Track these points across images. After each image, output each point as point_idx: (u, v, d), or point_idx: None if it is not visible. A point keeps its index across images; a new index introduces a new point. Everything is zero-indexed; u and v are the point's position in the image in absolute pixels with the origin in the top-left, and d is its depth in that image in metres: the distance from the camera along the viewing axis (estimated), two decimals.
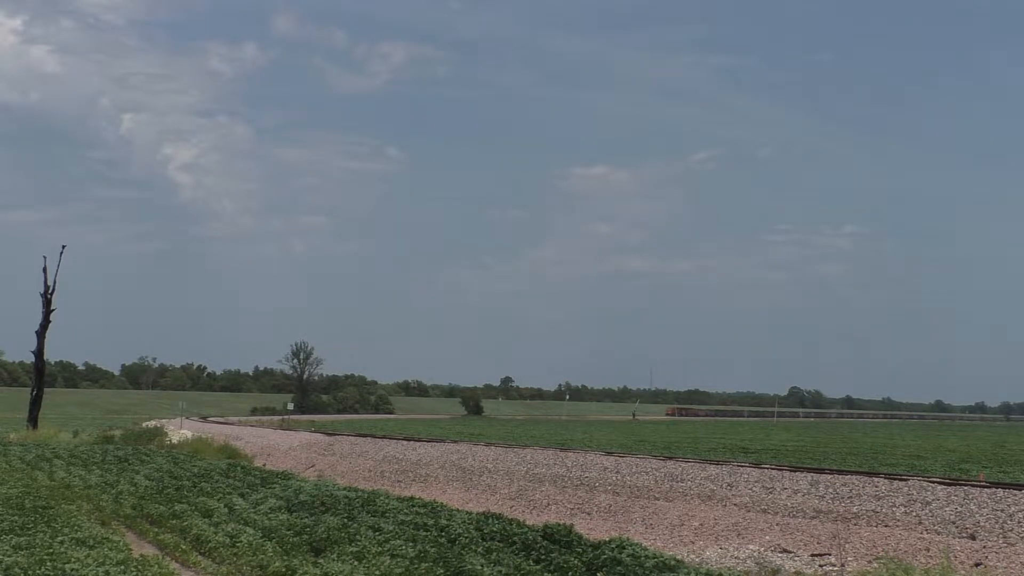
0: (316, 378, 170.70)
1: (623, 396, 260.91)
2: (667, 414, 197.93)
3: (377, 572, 11.38)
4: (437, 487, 27.37)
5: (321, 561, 12.05)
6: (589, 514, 21.82)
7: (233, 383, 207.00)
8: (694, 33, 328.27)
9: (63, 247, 49.66)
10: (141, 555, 12.11)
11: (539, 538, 13.72)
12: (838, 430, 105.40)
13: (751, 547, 17.12)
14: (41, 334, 48.96)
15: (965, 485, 21.36)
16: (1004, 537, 16.28)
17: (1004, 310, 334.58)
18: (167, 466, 27.29)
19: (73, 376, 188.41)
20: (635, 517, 20.81)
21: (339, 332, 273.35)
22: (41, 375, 50.43)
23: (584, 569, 12.09)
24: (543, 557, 12.61)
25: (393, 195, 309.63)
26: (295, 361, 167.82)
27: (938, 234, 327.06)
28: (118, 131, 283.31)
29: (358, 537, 13.69)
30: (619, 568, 11.95)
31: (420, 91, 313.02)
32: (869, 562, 14.92)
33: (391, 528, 14.71)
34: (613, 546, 13.14)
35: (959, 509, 18.20)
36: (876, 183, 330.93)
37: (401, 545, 13.09)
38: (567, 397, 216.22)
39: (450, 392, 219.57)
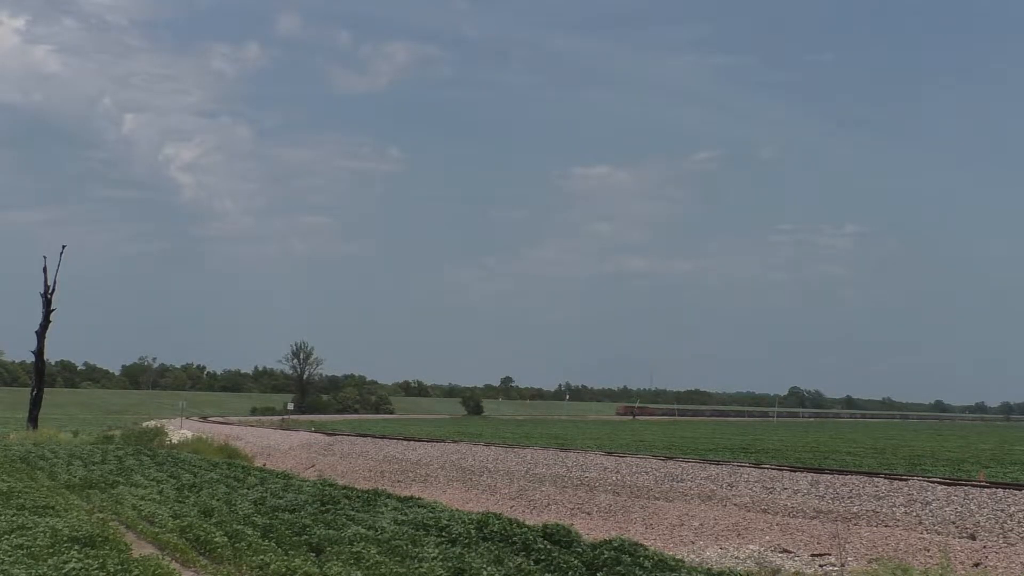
0: (316, 378, 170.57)
1: (623, 396, 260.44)
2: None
3: (377, 572, 11.38)
4: (437, 487, 27.37)
5: (321, 561, 12.06)
6: (589, 514, 21.82)
7: (233, 383, 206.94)
8: (695, 33, 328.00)
9: (63, 247, 49.60)
10: (141, 555, 12.11)
11: (539, 538, 13.73)
12: (838, 430, 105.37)
13: (751, 547, 17.13)
14: (41, 334, 48.92)
15: (965, 485, 21.37)
16: (1004, 537, 16.29)
17: (1004, 310, 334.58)
18: (167, 466, 27.30)
19: (73, 376, 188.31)
20: (635, 517, 20.81)
21: (339, 332, 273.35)
22: (41, 375, 50.39)
23: (584, 569, 12.09)
24: (543, 557, 12.61)
25: (394, 195, 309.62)
26: (295, 361, 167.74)
27: (939, 234, 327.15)
28: (120, 131, 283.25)
29: (358, 537, 13.70)
30: (619, 568, 11.95)
31: (422, 91, 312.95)
32: (869, 562, 14.93)
33: (391, 528, 14.72)
34: (613, 546, 13.15)
35: (959, 509, 18.20)
36: (877, 183, 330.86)
37: (401, 545, 13.09)
38: (567, 397, 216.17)
39: (450, 392, 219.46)
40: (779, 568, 15.16)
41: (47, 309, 48.56)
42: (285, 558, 12.08)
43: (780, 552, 16.70)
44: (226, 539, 13.61)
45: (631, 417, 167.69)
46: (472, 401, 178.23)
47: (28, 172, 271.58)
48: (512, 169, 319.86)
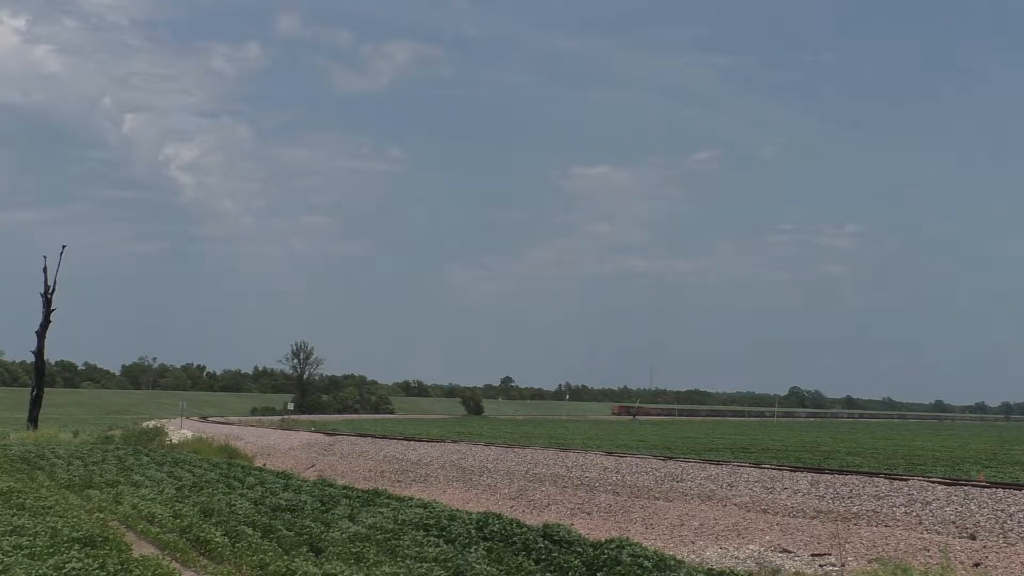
0: (316, 378, 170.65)
1: (623, 396, 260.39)
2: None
3: (377, 572, 11.37)
4: (437, 487, 27.37)
5: (321, 561, 12.06)
6: (589, 514, 21.82)
7: (233, 383, 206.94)
8: (695, 33, 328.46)
9: (63, 247, 49.69)
10: (141, 555, 12.11)
11: (539, 538, 13.72)
12: (838, 430, 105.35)
13: (751, 547, 17.13)
14: (41, 334, 48.95)
15: (965, 485, 21.37)
16: (1004, 537, 16.29)
17: (1004, 310, 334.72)
18: (167, 466, 27.30)
19: (73, 376, 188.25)
20: (635, 517, 20.82)
21: (339, 332, 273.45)
22: (41, 375, 50.42)
23: (584, 569, 12.09)
24: (543, 557, 12.61)
25: (395, 195, 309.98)
26: (295, 361, 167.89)
27: (939, 234, 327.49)
28: (120, 131, 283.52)
29: (358, 537, 13.70)
30: (619, 568, 11.95)
31: (423, 91, 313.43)
32: (869, 562, 14.93)
33: (391, 528, 14.72)
34: (613, 546, 13.14)
35: (959, 509, 18.20)
36: (877, 183, 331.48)
37: (401, 545, 13.09)
38: (567, 397, 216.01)
39: (450, 392, 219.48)
40: (779, 568, 15.16)
41: (47, 309, 48.59)
42: (285, 558, 12.08)
43: (780, 552, 16.70)
44: (226, 539, 13.61)
45: (631, 417, 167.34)
46: (472, 401, 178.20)
47: (28, 172, 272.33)
48: (512, 169, 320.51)
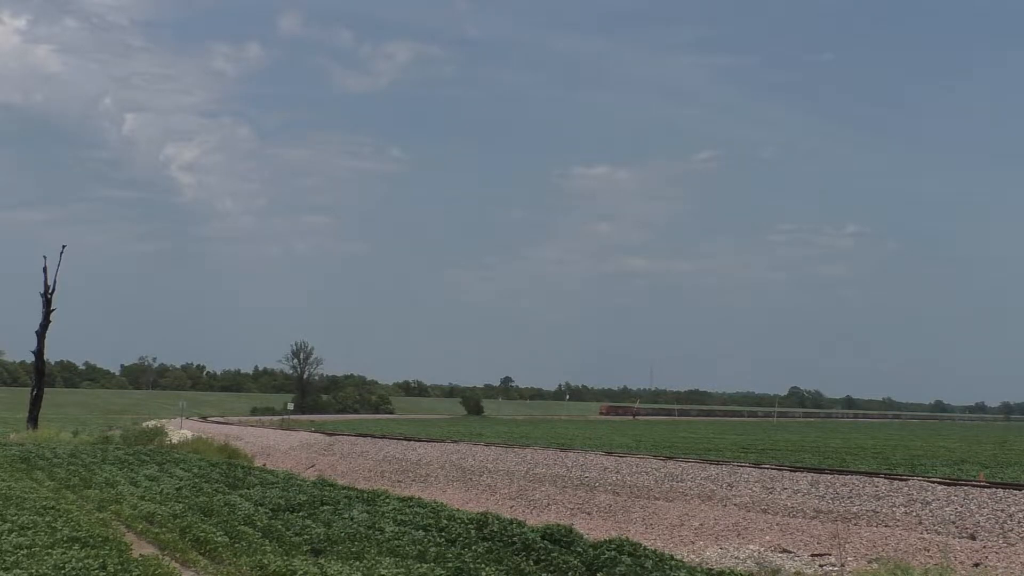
0: (316, 378, 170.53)
1: (623, 396, 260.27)
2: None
3: (377, 572, 11.37)
4: (437, 487, 27.38)
5: (321, 561, 12.06)
6: (589, 514, 21.83)
7: (233, 383, 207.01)
8: (695, 33, 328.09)
9: (63, 247, 49.60)
10: (141, 555, 12.11)
11: (539, 538, 13.72)
12: (837, 430, 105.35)
13: (751, 547, 17.13)
14: (41, 334, 48.91)
15: (965, 485, 21.37)
16: (1004, 537, 16.29)
17: (1004, 310, 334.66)
18: (167, 466, 27.30)
19: (73, 376, 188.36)
20: (635, 517, 20.82)
21: (339, 332, 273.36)
22: (41, 375, 50.38)
23: (584, 569, 12.10)
24: (543, 557, 12.61)
25: (395, 195, 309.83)
26: (295, 361, 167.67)
27: (939, 234, 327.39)
28: (120, 131, 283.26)
29: (358, 537, 13.70)
30: (619, 568, 11.95)
31: (424, 91, 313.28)
32: (869, 562, 14.93)
33: (391, 528, 14.72)
34: (613, 546, 13.15)
35: (959, 509, 18.20)
36: (878, 183, 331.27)
37: (401, 545, 13.09)
38: (567, 397, 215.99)
39: (450, 392, 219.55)
40: (779, 568, 15.16)
41: (47, 309, 48.55)
42: (285, 558, 12.08)
43: (780, 552, 16.71)
44: (226, 539, 13.61)
45: (631, 417, 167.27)
46: (472, 401, 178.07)
47: (29, 172, 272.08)
48: (512, 169, 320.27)
